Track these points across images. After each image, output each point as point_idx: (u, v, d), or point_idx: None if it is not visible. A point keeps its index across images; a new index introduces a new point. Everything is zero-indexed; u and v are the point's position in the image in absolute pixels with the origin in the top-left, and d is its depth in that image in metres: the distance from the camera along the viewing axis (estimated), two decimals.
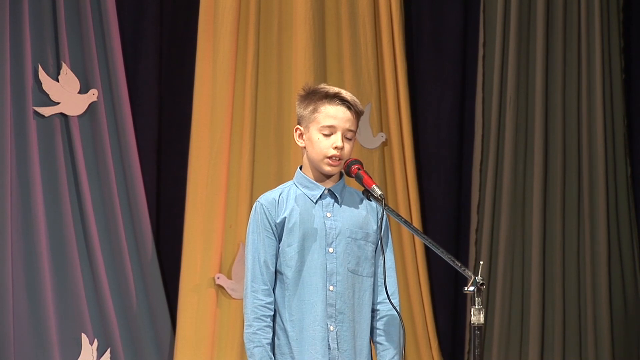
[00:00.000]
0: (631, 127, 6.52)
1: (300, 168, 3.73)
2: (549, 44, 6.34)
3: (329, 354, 3.62)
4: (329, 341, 3.62)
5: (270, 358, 3.60)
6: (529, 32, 6.35)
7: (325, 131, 3.63)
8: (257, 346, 3.59)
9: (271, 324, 3.63)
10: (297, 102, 3.73)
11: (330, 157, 3.63)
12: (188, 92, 5.81)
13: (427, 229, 6.27)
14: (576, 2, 6.36)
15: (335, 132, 3.63)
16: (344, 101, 3.64)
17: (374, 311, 3.71)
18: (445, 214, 6.38)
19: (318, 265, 3.62)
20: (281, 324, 3.63)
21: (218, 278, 5.76)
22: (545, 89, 6.34)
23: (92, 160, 5.63)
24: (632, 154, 6.50)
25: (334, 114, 3.64)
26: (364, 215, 3.70)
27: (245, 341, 3.61)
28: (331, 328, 3.62)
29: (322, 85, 3.72)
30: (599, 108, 6.34)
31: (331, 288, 3.63)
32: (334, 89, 3.67)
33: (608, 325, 6.33)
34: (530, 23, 6.35)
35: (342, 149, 3.63)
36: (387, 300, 3.64)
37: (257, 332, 3.60)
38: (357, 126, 3.69)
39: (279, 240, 3.65)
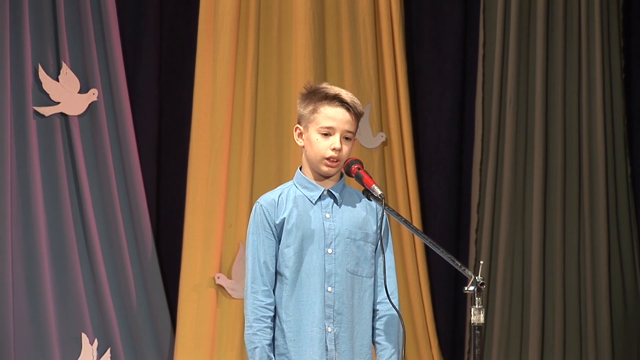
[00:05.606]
0: (631, 127, 6.52)
1: (300, 168, 3.73)
2: (549, 44, 6.34)
3: (327, 354, 3.62)
4: (326, 342, 3.62)
5: (270, 359, 3.60)
6: (529, 32, 6.35)
7: (324, 132, 3.63)
8: (256, 347, 3.59)
9: (271, 325, 3.63)
10: (298, 101, 3.73)
11: (328, 158, 3.63)
12: (188, 92, 5.81)
13: (427, 229, 6.27)
14: (576, 2, 6.36)
15: (334, 134, 3.63)
16: (343, 103, 3.64)
17: (373, 311, 3.70)
18: (445, 213, 6.38)
19: (316, 266, 3.62)
20: (280, 325, 3.63)
21: (218, 278, 5.77)
22: (545, 89, 6.33)
23: (92, 160, 5.63)
24: (632, 154, 6.50)
25: (332, 116, 3.63)
26: (363, 215, 3.69)
27: (245, 342, 3.62)
28: (329, 329, 3.62)
29: (324, 85, 3.70)
30: (599, 108, 6.34)
31: (329, 289, 3.62)
32: (334, 90, 3.66)
33: (608, 325, 6.33)
34: (530, 23, 6.35)
35: (340, 150, 3.62)
36: (387, 300, 3.63)
37: (257, 332, 3.60)
38: (357, 127, 3.69)
39: (279, 241, 3.65)
